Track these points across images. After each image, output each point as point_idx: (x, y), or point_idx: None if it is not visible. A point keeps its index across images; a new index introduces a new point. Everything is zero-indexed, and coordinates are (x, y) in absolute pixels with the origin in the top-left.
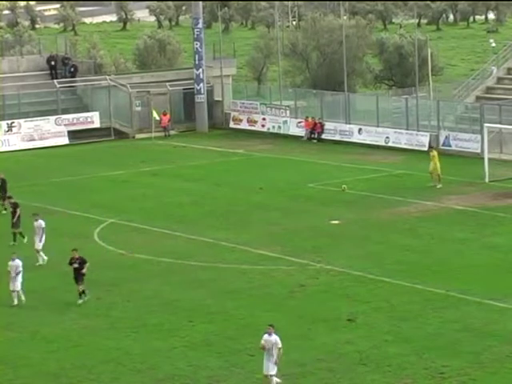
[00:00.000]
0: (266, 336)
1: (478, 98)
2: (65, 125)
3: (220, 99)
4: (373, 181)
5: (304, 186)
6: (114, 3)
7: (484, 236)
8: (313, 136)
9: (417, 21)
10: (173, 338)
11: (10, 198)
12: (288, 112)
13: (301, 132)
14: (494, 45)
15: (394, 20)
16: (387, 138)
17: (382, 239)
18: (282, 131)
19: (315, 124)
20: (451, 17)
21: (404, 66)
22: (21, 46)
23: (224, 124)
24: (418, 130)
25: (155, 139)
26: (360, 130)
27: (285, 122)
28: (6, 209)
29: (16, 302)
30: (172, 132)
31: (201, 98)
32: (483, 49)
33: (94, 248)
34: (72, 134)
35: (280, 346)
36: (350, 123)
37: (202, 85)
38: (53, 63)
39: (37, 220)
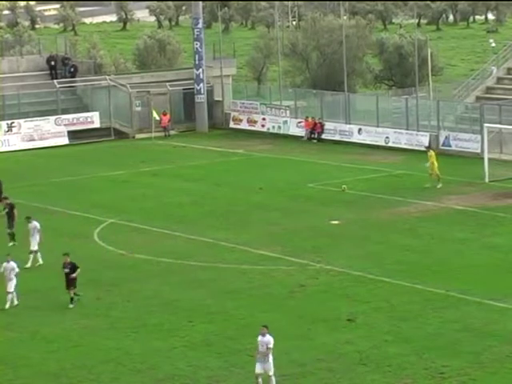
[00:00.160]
0: (259, 337)
1: (477, 98)
2: (65, 125)
3: (220, 99)
4: (373, 181)
5: (304, 186)
6: (113, 3)
7: (484, 236)
8: (313, 136)
9: (417, 21)
10: (173, 337)
11: (5, 198)
12: (288, 112)
13: (301, 132)
14: (493, 45)
15: (393, 20)
16: (387, 138)
17: (382, 239)
18: (281, 131)
19: (315, 124)
20: (451, 17)
21: (404, 66)
22: (21, 46)
23: (224, 124)
24: (418, 130)
25: (155, 139)
26: (360, 130)
27: (285, 122)
28: (5, 209)
29: (8, 305)
30: (172, 132)
31: (201, 98)
32: (483, 49)
33: (93, 248)
34: (72, 134)
35: (271, 346)
36: (349, 123)
37: (202, 85)
38: (53, 63)
39: (31, 222)
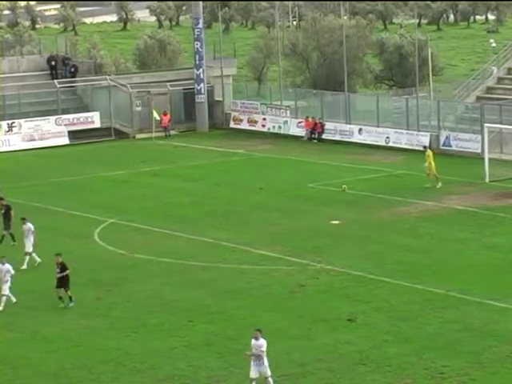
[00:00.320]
0: (253, 341)
1: (478, 98)
2: (65, 125)
3: (220, 99)
4: (373, 181)
5: (304, 186)
6: (114, 3)
7: (484, 236)
8: (313, 136)
9: (417, 21)
10: (173, 337)
11: (1, 199)
12: (288, 112)
13: (301, 132)
14: (494, 45)
15: (394, 20)
16: (387, 138)
17: (382, 239)
18: (282, 131)
19: (315, 124)
20: (451, 17)
21: (404, 66)
22: (21, 46)
23: (224, 124)
24: (419, 130)
25: (155, 139)
26: (360, 130)
27: (285, 122)
28: (1, 209)
29: (1, 307)
30: (172, 132)
31: (201, 98)
32: (483, 49)
33: (94, 248)
34: (72, 134)
35: (264, 348)
36: (350, 123)
37: (202, 85)
38: (53, 63)
39: (25, 223)
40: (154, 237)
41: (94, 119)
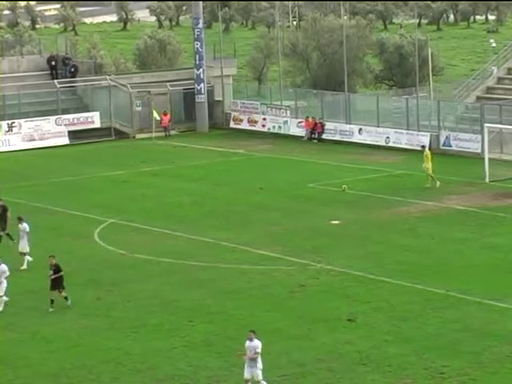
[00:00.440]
0: (247, 342)
1: (478, 98)
2: (65, 125)
3: (220, 99)
4: (373, 181)
5: (304, 186)
6: (114, 3)
7: (484, 236)
8: (313, 136)
9: (417, 21)
10: (173, 337)
11: None
12: (288, 112)
13: (301, 132)
14: (494, 45)
15: (394, 20)
16: (387, 138)
17: (382, 239)
18: (282, 131)
19: (315, 124)
20: (452, 17)
21: (404, 66)
22: (21, 46)
23: (224, 124)
24: (419, 130)
25: (155, 139)
26: (360, 130)
27: (285, 122)
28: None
29: (1, 308)
30: (172, 132)
31: (201, 98)
32: (483, 49)
33: (94, 248)
34: (72, 134)
35: (259, 350)
36: (350, 123)
37: (202, 85)
38: (53, 63)
39: (21, 223)
40: (154, 237)
41: (94, 119)
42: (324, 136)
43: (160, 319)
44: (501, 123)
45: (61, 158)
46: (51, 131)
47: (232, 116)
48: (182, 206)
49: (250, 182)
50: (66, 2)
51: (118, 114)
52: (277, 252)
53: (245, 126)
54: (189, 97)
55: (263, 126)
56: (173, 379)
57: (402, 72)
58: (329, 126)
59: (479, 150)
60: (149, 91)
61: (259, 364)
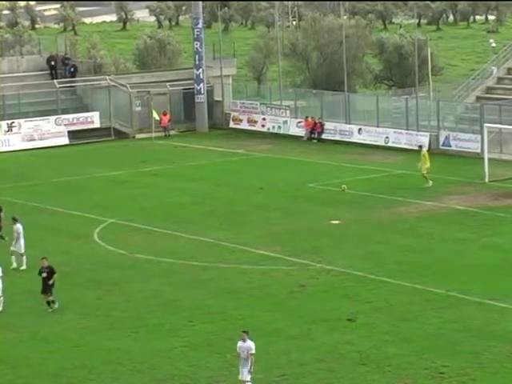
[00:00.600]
0: (240, 343)
1: (478, 98)
2: (65, 125)
3: (220, 99)
4: (373, 181)
5: (304, 186)
6: (113, 3)
7: (484, 236)
8: (313, 136)
9: (417, 21)
10: (173, 338)
11: None
12: (288, 112)
13: (301, 132)
14: (494, 45)
15: (393, 20)
16: (387, 138)
17: (382, 239)
18: (282, 131)
19: (315, 124)
20: (451, 17)
21: (404, 66)
22: (21, 46)
23: (224, 124)
24: (418, 130)
25: (155, 139)
26: (360, 130)
27: (285, 121)
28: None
29: (1, 307)
30: (172, 132)
31: (201, 98)
32: (483, 49)
33: (94, 248)
34: (72, 134)
35: (253, 351)
36: (349, 123)
37: (202, 85)
38: (53, 63)
39: (15, 224)
40: (154, 237)
41: (93, 119)
42: (324, 136)
43: (160, 319)
44: (500, 123)
45: (60, 158)
46: (51, 131)
47: (232, 116)
48: (182, 205)
49: (250, 181)
50: (65, 2)
51: (118, 114)
52: (277, 252)
53: (244, 125)
54: (188, 97)
55: (263, 125)
56: (173, 379)
57: (401, 72)
58: (328, 125)
59: (479, 150)
60: (148, 91)
61: (249, 365)
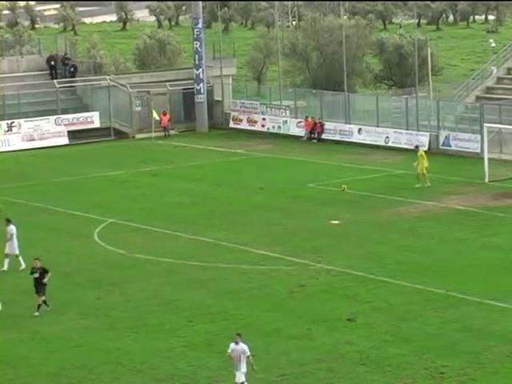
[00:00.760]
0: (232, 345)
1: (477, 98)
2: (65, 125)
3: (220, 99)
4: (373, 181)
5: (304, 186)
6: (113, 3)
7: (484, 236)
8: (313, 136)
9: (417, 21)
10: (173, 338)
11: None
12: (288, 112)
13: (301, 132)
14: (493, 45)
15: (393, 20)
16: (387, 137)
17: (382, 239)
18: (281, 131)
19: (315, 124)
20: (451, 17)
21: (404, 66)
22: (21, 46)
23: (224, 124)
24: (418, 130)
25: (155, 139)
26: (360, 129)
27: (285, 121)
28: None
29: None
30: (172, 132)
31: (201, 98)
32: (483, 49)
33: (94, 248)
34: (72, 134)
35: (248, 353)
36: (349, 123)
37: (201, 85)
38: (52, 63)
39: (8, 225)
40: (154, 237)
41: (93, 119)
42: (323, 136)
43: (160, 319)
44: (500, 123)
45: (60, 158)
46: (51, 131)
47: (231, 116)
48: (182, 205)
49: (250, 181)
50: (65, 2)
51: (118, 113)
52: (277, 252)
53: (244, 125)
54: (188, 97)
55: (263, 125)
56: (173, 379)
57: (401, 72)
58: (328, 125)
59: (479, 150)
60: (148, 91)
61: (243, 368)
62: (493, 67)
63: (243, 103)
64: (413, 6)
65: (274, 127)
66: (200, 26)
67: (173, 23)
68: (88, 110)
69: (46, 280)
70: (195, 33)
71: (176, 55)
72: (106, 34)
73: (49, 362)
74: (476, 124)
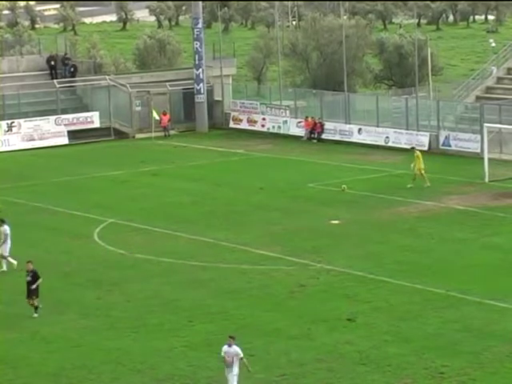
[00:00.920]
0: (225, 347)
1: (477, 98)
2: (65, 125)
3: (220, 99)
4: (373, 181)
5: (304, 186)
6: (113, 3)
7: (484, 236)
8: (313, 136)
9: (417, 21)
10: (173, 337)
11: None
12: (288, 112)
13: (301, 132)
14: (493, 45)
15: (393, 20)
16: (387, 137)
17: (382, 239)
18: (281, 131)
19: (315, 124)
20: (451, 17)
21: (404, 66)
22: (21, 46)
23: (224, 124)
24: (418, 130)
25: (155, 139)
26: (360, 129)
27: (285, 121)
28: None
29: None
30: (172, 132)
31: (201, 98)
32: (483, 49)
33: (94, 248)
34: (72, 134)
35: (241, 355)
36: (349, 123)
37: (201, 85)
38: (52, 63)
39: (2, 226)
40: (154, 237)
41: (93, 119)
42: (323, 136)
43: (160, 319)
44: (500, 123)
45: (60, 158)
46: (51, 131)
47: (231, 116)
48: (181, 205)
49: (250, 181)
50: (65, 2)
51: (118, 113)
52: (277, 252)
53: (244, 125)
54: (188, 97)
55: (263, 125)
56: (173, 379)
57: (401, 72)
58: (328, 125)
59: (479, 150)
60: (148, 91)
61: (235, 370)
62: (493, 67)
63: (243, 103)
64: (413, 6)
65: (273, 127)
66: (200, 26)
67: (173, 23)
68: (88, 110)
69: (34, 286)
70: (195, 33)
71: (176, 55)
72: (106, 34)
73: (49, 361)
74: (476, 124)
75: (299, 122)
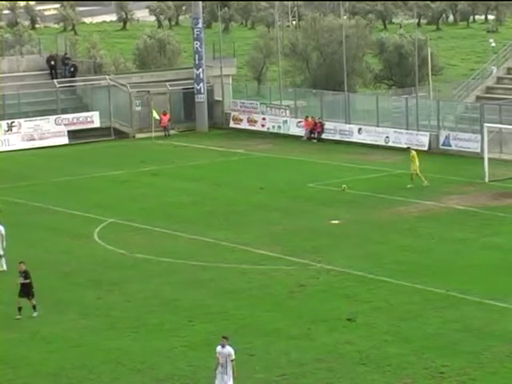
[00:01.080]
0: (219, 348)
1: (477, 98)
2: (65, 124)
3: (220, 99)
4: (373, 181)
5: (304, 186)
6: (114, 3)
7: (484, 236)
8: (313, 136)
9: (417, 21)
10: (173, 337)
11: None
12: (288, 112)
13: (301, 132)
14: (493, 45)
15: (393, 20)
16: (387, 137)
17: (382, 239)
18: (281, 131)
19: (315, 124)
20: (451, 17)
21: (404, 66)
22: (21, 46)
23: (224, 124)
24: (418, 130)
25: (155, 139)
26: (360, 129)
27: (285, 121)
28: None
29: None
30: (172, 132)
31: (201, 98)
32: (483, 49)
33: (94, 248)
34: (72, 134)
35: (233, 357)
36: (349, 123)
37: (201, 84)
38: (53, 63)
39: None
40: (154, 237)
41: (93, 119)
42: (323, 136)
43: (160, 319)
44: (500, 123)
45: (60, 158)
46: (51, 131)
47: (232, 116)
48: (181, 205)
49: (250, 181)
50: (65, 2)
51: (118, 113)
52: (277, 252)
53: (244, 125)
54: (188, 96)
55: (263, 125)
56: (173, 379)
57: (401, 72)
58: (328, 125)
59: (479, 150)
60: (148, 91)
61: (230, 372)
62: (493, 67)
63: (243, 103)
64: (413, 6)
65: (273, 127)
66: (200, 25)
67: (173, 23)
68: (88, 110)
69: (19, 281)
70: (195, 33)
71: (176, 55)
72: (105, 34)
73: (48, 361)
74: (476, 124)
75: (299, 122)
